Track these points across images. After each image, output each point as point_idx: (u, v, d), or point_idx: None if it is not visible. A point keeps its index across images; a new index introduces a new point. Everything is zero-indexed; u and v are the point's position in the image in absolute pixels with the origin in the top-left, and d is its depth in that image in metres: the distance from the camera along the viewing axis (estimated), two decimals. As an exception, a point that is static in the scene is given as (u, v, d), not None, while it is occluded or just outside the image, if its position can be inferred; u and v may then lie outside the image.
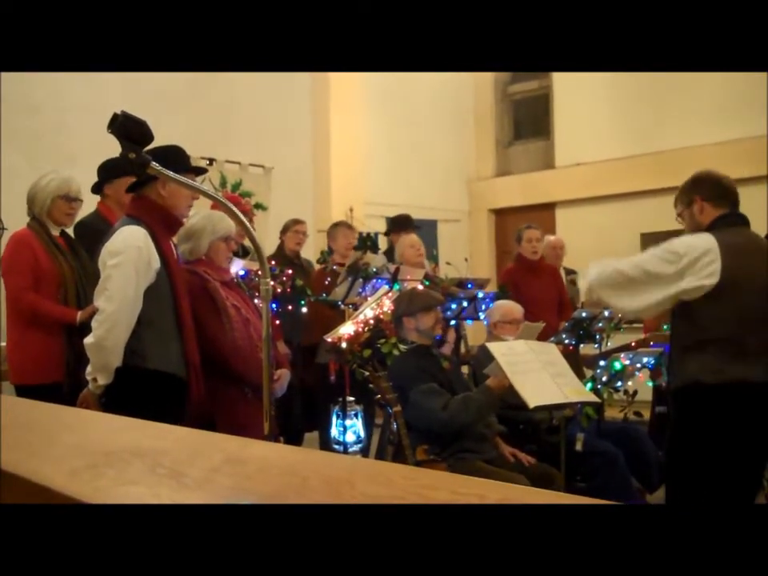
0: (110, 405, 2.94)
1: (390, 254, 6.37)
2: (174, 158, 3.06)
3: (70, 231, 3.99)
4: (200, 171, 3.55)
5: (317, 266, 6.23)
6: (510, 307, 4.87)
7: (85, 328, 3.14)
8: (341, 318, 4.95)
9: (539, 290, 5.99)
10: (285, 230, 6.12)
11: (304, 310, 5.53)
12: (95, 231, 3.61)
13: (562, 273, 6.90)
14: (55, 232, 3.85)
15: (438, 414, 3.79)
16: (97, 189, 4.02)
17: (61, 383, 3.57)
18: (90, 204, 4.07)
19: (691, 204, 3.25)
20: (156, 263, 3.07)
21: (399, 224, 6.57)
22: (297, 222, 6.13)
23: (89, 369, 3.02)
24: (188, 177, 2.98)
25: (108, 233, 3.17)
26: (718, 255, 3.00)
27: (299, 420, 5.65)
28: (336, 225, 6.25)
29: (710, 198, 3.21)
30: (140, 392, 2.98)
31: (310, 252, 6.45)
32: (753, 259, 3.09)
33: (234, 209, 2.37)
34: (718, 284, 2.99)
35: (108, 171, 3.92)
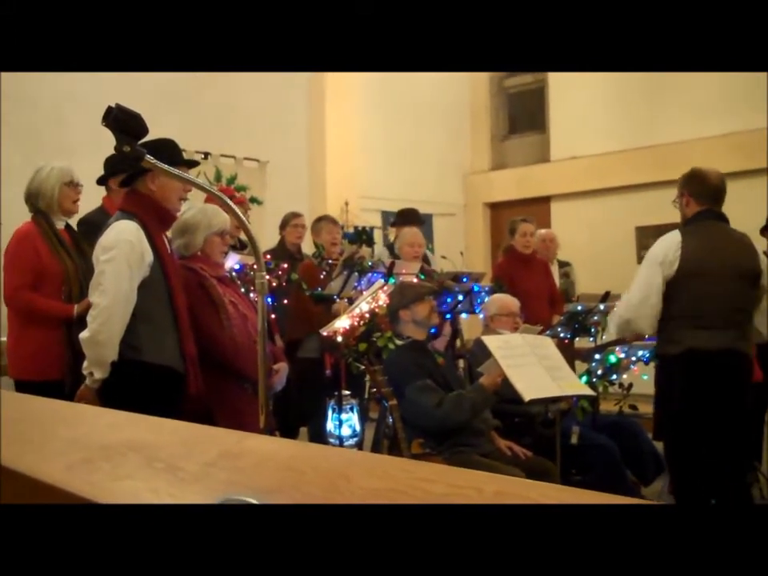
0: (108, 399, 2.93)
1: (393, 247, 6.34)
2: (166, 151, 3.05)
3: (73, 224, 3.97)
4: (192, 164, 3.53)
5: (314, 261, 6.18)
6: (507, 300, 4.87)
7: (84, 323, 3.13)
8: (326, 314, 4.94)
9: (531, 283, 5.95)
10: (284, 225, 6.03)
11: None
12: (99, 227, 3.60)
13: (556, 265, 6.87)
14: (60, 225, 3.82)
15: (432, 412, 3.80)
16: (102, 181, 4.00)
17: (60, 380, 3.55)
18: (91, 199, 4.05)
19: (681, 196, 3.81)
20: (149, 257, 3.06)
21: (405, 218, 6.53)
22: (295, 215, 6.04)
23: (85, 364, 3.02)
24: (180, 170, 2.97)
25: (102, 228, 3.17)
26: (679, 248, 3.63)
27: (294, 414, 5.63)
28: (320, 219, 6.07)
29: (694, 194, 3.75)
30: (137, 385, 2.98)
31: (305, 246, 6.41)
32: (719, 252, 3.69)
33: (229, 201, 2.37)
34: (677, 271, 3.63)
35: (114, 165, 3.90)
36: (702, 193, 3.73)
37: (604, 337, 5.20)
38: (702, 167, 3.85)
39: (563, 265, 7.04)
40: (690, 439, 3.66)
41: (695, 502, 3.59)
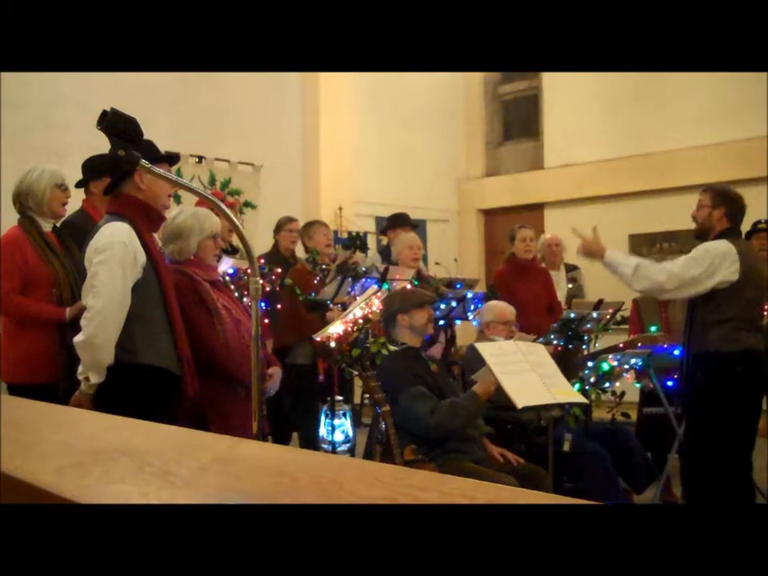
0: (104, 403, 2.90)
1: (386, 252, 6.32)
2: (149, 150, 3.03)
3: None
4: (173, 160, 3.51)
5: (307, 266, 6.16)
6: (503, 308, 4.86)
7: (77, 326, 3.12)
8: (320, 320, 4.93)
9: (529, 292, 5.90)
10: (278, 229, 5.99)
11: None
12: (81, 230, 3.58)
13: (563, 269, 6.77)
14: (47, 228, 3.81)
15: (425, 419, 3.80)
16: (81, 184, 3.99)
17: (54, 384, 3.53)
18: (72, 202, 4.04)
19: (715, 208, 4.13)
20: (142, 258, 3.05)
21: (396, 222, 6.51)
22: (290, 219, 6.01)
23: (80, 368, 2.99)
24: (162, 167, 2.96)
25: (93, 231, 3.15)
26: (737, 258, 3.98)
27: (287, 420, 5.62)
28: (311, 223, 6.02)
29: (731, 211, 4.14)
30: (133, 388, 2.96)
31: (298, 251, 6.40)
32: (754, 261, 4.14)
33: (222, 205, 2.37)
34: (738, 278, 3.98)
35: (95, 169, 3.89)
36: (737, 213, 4.18)
37: (597, 345, 5.22)
38: (736, 191, 4.30)
39: (571, 269, 6.93)
40: (738, 434, 4.07)
41: (715, 499, 3.93)
